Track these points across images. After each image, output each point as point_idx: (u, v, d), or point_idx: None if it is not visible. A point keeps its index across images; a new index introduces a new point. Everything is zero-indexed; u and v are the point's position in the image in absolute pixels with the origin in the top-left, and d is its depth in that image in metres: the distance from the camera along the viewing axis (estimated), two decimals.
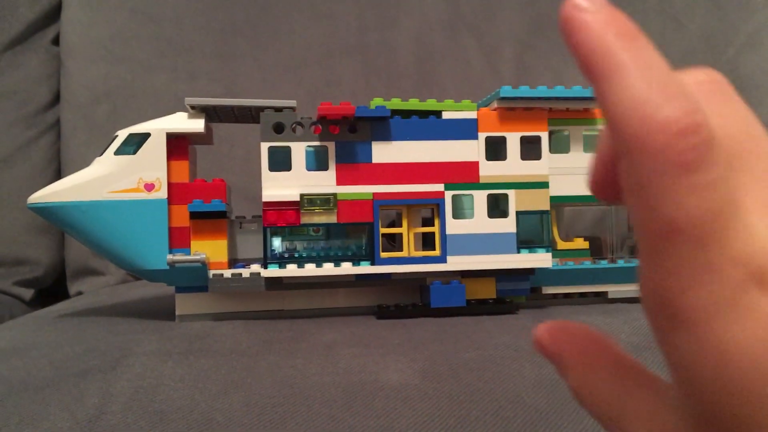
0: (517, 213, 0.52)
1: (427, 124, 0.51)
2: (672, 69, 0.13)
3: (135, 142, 0.50)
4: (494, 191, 0.52)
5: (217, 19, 0.91)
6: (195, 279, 0.50)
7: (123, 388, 0.34)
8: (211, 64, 0.90)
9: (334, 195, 0.50)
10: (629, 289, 0.57)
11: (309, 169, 0.51)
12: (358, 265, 0.51)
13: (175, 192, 0.50)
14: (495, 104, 0.52)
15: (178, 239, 0.50)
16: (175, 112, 0.52)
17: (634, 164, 0.12)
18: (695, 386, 0.13)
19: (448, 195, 0.51)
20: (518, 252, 0.52)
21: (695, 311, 0.13)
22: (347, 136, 0.51)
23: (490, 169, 0.52)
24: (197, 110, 0.52)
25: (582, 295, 0.57)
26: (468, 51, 0.94)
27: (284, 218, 0.50)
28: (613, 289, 0.57)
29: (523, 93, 0.51)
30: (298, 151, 0.50)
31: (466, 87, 0.92)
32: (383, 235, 0.52)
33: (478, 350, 0.40)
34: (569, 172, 0.55)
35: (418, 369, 0.36)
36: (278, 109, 0.51)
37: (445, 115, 0.52)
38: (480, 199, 0.52)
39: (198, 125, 0.51)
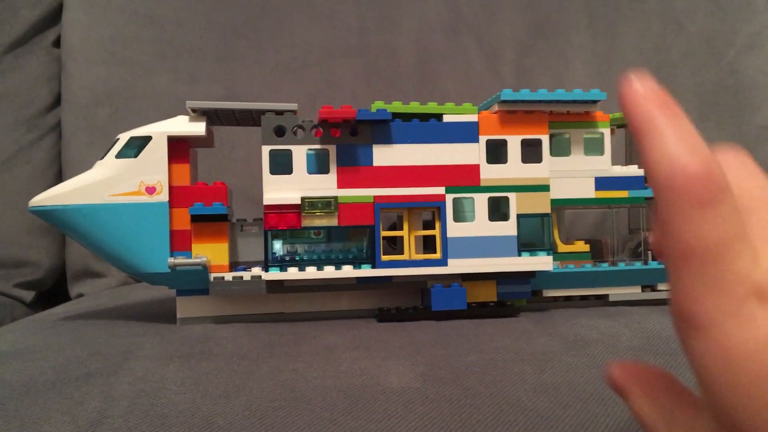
0: (518, 216, 0.52)
1: (428, 127, 0.51)
2: (700, 137, 0.16)
3: (136, 145, 0.50)
4: (495, 194, 0.52)
5: (218, 20, 0.91)
6: (196, 282, 0.50)
7: (124, 391, 0.34)
8: (212, 66, 0.90)
9: (335, 198, 0.50)
10: (630, 292, 0.57)
11: (310, 172, 0.51)
12: (359, 268, 0.51)
13: (176, 195, 0.50)
14: (496, 107, 0.52)
15: (179, 242, 0.50)
16: (176, 114, 0.52)
17: (663, 201, 0.16)
18: (707, 385, 0.16)
19: (449, 198, 0.51)
20: (519, 255, 0.52)
21: (705, 318, 0.16)
22: (348, 139, 0.51)
23: (490, 172, 0.52)
24: (198, 113, 0.52)
25: (583, 298, 0.57)
26: (469, 53, 0.94)
27: (285, 221, 0.50)
28: (614, 292, 0.57)
29: (524, 96, 0.51)
30: (299, 154, 0.50)
31: (467, 88, 0.92)
32: (384, 238, 0.52)
33: (479, 353, 0.40)
34: (570, 175, 0.55)
35: (419, 372, 0.36)
36: (279, 113, 0.51)
37: (446, 119, 0.52)
38: (481, 202, 0.52)
39: (199, 128, 0.51)
